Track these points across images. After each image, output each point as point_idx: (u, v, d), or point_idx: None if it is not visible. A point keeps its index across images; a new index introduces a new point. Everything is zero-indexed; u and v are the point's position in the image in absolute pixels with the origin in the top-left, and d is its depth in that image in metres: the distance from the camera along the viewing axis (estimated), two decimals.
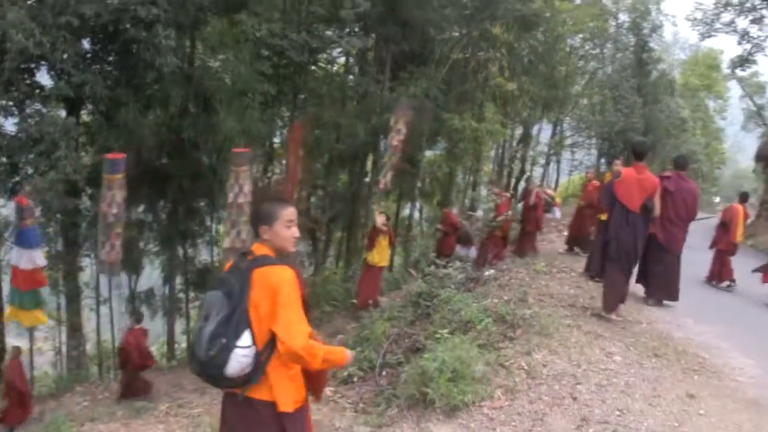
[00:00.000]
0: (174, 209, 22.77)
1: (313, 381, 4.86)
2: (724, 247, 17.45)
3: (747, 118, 58.92)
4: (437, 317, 11.69)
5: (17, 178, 18.21)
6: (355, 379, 11.37)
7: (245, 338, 4.42)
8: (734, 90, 64.39)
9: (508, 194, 21.05)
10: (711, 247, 17.55)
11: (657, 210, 11.56)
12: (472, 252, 20.14)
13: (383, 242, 18.32)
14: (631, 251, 11.44)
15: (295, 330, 4.40)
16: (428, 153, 33.37)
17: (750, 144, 58.66)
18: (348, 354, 4.80)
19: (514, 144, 44.54)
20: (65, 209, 17.84)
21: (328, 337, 16.50)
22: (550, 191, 23.23)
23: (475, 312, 10.83)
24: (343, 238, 30.41)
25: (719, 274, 17.31)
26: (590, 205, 19.39)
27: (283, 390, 4.59)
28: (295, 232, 4.80)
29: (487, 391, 8.33)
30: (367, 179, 29.18)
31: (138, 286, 26.15)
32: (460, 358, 8.62)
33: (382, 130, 25.45)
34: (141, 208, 24.01)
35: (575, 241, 19.83)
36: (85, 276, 23.54)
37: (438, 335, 10.00)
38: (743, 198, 18.65)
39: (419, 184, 30.61)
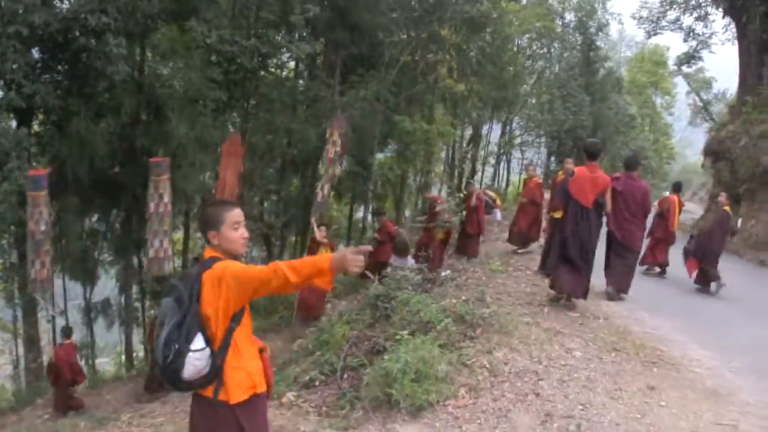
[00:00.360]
0: (128, 218, 22.69)
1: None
2: (662, 235, 18.10)
3: (694, 113, 59.70)
4: (396, 319, 11.70)
5: None
6: (317, 383, 11.35)
7: (197, 341, 4.52)
8: (681, 86, 65.21)
9: (442, 198, 20.85)
10: (647, 236, 17.86)
11: (608, 206, 12.18)
12: (409, 261, 20.04)
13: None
14: (587, 244, 12.05)
15: (248, 272, 4.52)
16: (379, 155, 33.44)
17: (697, 139, 59.45)
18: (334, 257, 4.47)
19: (465, 144, 44.74)
20: (19, 221, 17.68)
21: (287, 342, 16.60)
22: (491, 193, 22.95)
23: (434, 312, 10.89)
24: (298, 242, 30.41)
25: (657, 260, 17.72)
26: (532, 201, 19.61)
27: (234, 382, 4.70)
28: (243, 233, 4.87)
29: (451, 390, 8.41)
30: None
31: (93, 296, 26.01)
32: (422, 359, 8.68)
33: None
34: (94, 217, 23.89)
35: (514, 238, 19.82)
36: None
37: (398, 337, 10.02)
38: (677, 188, 19.35)
39: (371, 187, 30.60)
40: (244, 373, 4.74)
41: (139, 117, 20.09)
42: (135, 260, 24.79)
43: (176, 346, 4.45)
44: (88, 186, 19.13)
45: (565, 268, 12.27)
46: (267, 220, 26.56)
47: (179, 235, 30.11)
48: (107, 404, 15.83)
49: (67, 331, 17.05)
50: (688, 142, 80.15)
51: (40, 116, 19.92)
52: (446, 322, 10.50)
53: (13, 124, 18.61)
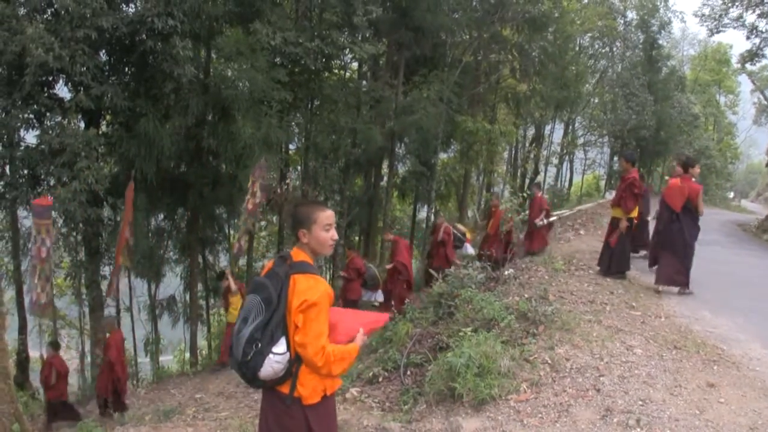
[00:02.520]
0: (193, 217, 22.92)
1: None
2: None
3: (758, 112, 59.18)
4: (460, 316, 11.83)
5: (39, 190, 18.45)
6: (380, 379, 11.50)
7: (280, 345, 4.63)
8: (745, 84, 64.45)
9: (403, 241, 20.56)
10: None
11: (701, 210, 14.15)
12: (378, 296, 19.92)
13: (236, 302, 18.02)
14: (679, 240, 13.96)
15: (312, 346, 4.64)
16: (443, 155, 33.55)
17: (762, 138, 58.86)
18: (358, 343, 4.98)
19: (527, 144, 44.70)
20: (87, 219, 17.96)
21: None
22: (461, 227, 22.37)
23: (497, 310, 11.01)
24: (361, 241, 30.56)
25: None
26: (508, 231, 19.65)
27: (309, 386, 4.80)
28: (333, 234, 5.00)
29: (513, 384, 8.54)
30: (383, 183, 29.35)
31: (159, 293, 26.32)
32: (485, 354, 8.82)
33: (398, 134, 25.69)
34: (161, 216, 24.18)
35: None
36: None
37: (462, 333, 10.16)
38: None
39: (435, 187, 30.68)
40: (318, 379, 4.84)
41: (205, 118, 20.24)
42: (200, 258, 25.07)
43: (259, 345, 4.55)
44: (155, 185, 19.34)
45: (664, 262, 14.15)
46: None
47: None
48: (172, 398, 16.06)
49: None
50: (753, 141, 79.32)
51: (109, 117, 20.20)
52: (509, 319, 10.65)
53: (82, 124, 18.95)
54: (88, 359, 23.84)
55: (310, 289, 4.66)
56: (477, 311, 11.37)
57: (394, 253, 19.21)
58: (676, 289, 14.12)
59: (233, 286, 18.04)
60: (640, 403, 7.85)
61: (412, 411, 9.10)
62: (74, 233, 20.67)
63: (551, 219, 20.91)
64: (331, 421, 5.15)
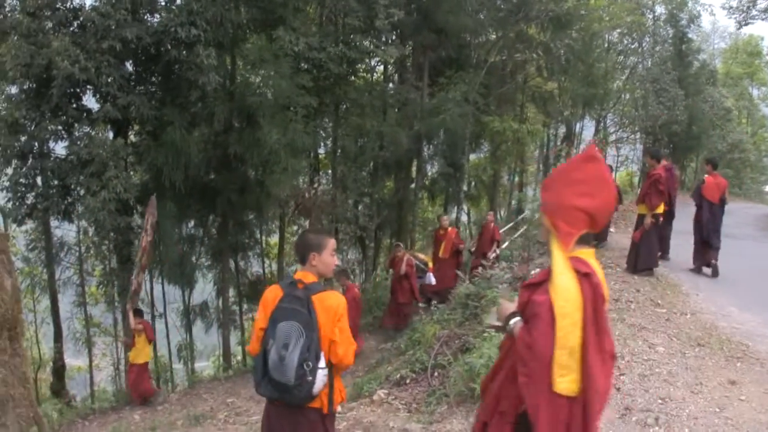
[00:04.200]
0: (223, 223, 23.00)
1: None
2: None
3: None
4: (485, 317, 11.87)
5: (70, 200, 18.64)
6: (408, 381, 11.55)
7: (323, 360, 5.08)
8: None
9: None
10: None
11: (727, 200, 15.86)
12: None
13: (140, 342, 17.72)
14: (717, 230, 15.79)
15: (350, 350, 5.21)
16: (473, 156, 33.53)
17: None
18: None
19: (558, 143, 44.53)
20: (118, 227, 18.11)
21: (380, 342, 16.86)
22: (421, 256, 22.16)
23: None
24: (392, 244, 30.61)
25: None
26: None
27: (335, 396, 5.27)
28: (336, 260, 5.50)
29: None
30: (413, 185, 29.35)
31: (192, 299, 26.43)
32: None
33: (425, 136, 25.70)
34: (191, 223, 24.29)
35: (436, 294, 19.21)
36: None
37: (486, 334, 10.20)
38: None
39: (464, 188, 30.68)
40: (338, 389, 5.32)
41: (231, 125, 20.34)
42: (232, 264, 25.19)
43: (310, 364, 4.97)
44: (185, 193, 19.44)
45: (703, 247, 15.80)
46: (361, 223, 26.67)
47: (275, 239, 30.47)
48: (204, 403, 16.10)
49: None
50: None
51: (136, 127, 20.35)
52: None
53: (110, 134, 19.15)
54: (122, 366, 23.98)
55: (336, 303, 5.19)
56: None
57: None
58: (702, 284, 14.60)
59: (133, 325, 17.71)
60: (660, 401, 7.85)
61: (434, 412, 9.15)
62: (105, 242, 20.82)
63: (500, 250, 20.70)
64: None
